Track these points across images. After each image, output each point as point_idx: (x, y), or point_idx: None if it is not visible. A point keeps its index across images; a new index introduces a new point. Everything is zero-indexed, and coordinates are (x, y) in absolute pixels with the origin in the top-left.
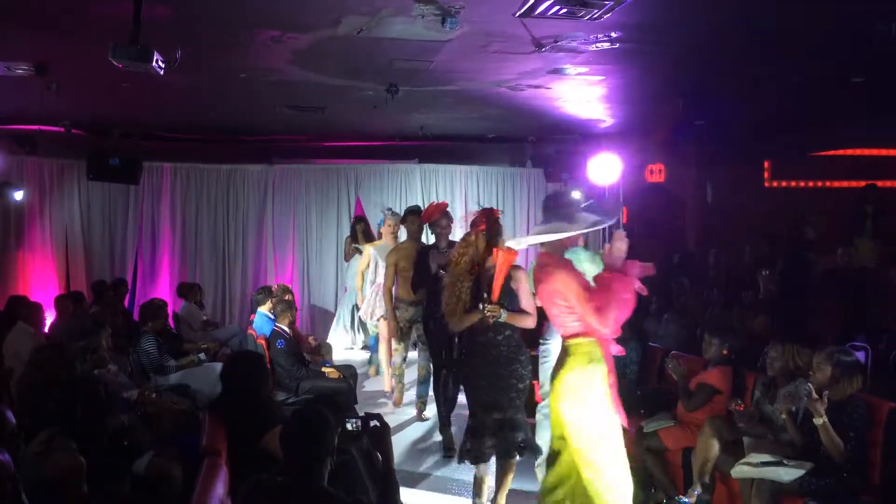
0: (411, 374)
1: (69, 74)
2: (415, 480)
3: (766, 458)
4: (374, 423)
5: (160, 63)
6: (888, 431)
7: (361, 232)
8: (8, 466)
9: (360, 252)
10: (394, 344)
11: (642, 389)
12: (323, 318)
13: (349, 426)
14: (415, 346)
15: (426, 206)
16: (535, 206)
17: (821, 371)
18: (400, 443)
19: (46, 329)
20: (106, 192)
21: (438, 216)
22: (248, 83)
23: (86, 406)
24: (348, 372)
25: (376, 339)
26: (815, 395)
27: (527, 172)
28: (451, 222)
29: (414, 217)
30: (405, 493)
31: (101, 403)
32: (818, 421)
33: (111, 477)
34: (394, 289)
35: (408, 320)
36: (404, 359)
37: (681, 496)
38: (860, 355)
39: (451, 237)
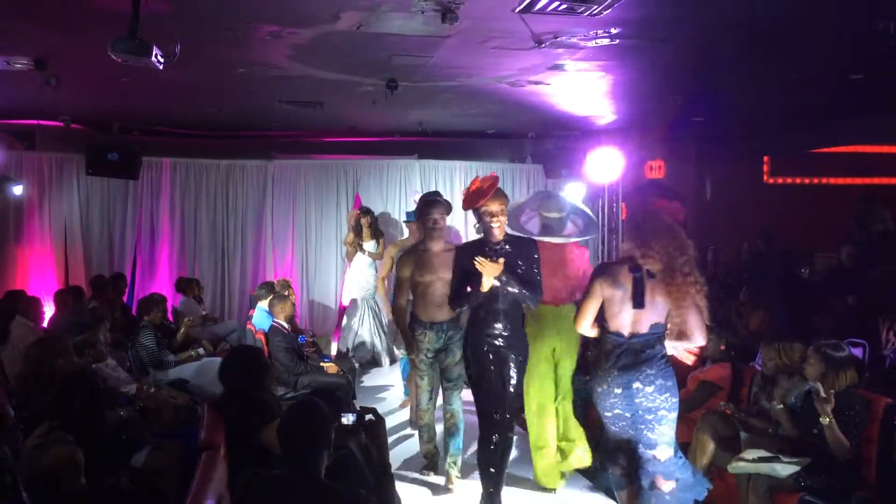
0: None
1: (68, 69)
2: (411, 478)
3: (763, 453)
4: (369, 416)
5: (159, 57)
6: (884, 427)
7: (368, 226)
8: (7, 459)
9: (364, 250)
10: (416, 379)
11: None
12: (323, 314)
13: (345, 420)
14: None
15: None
16: None
17: (811, 366)
18: (398, 440)
19: (45, 323)
20: (105, 187)
21: (487, 199)
22: (247, 78)
23: (84, 400)
24: (347, 367)
25: (408, 362)
26: (822, 395)
27: (526, 168)
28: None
29: (435, 209)
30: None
31: (99, 397)
32: (825, 421)
33: (109, 470)
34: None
35: (430, 349)
36: (431, 397)
37: None
38: (858, 351)
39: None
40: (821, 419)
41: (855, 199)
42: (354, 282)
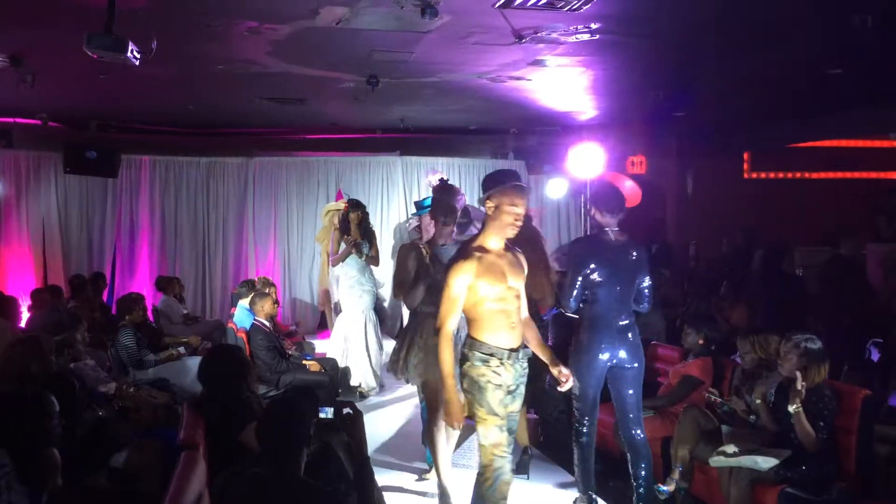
0: None
1: (45, 66)
2: (392, 472)
3: (744, 446)
4: (347, 410)
5: (135, 53)
6: (862, 419)
7: (357, 224)
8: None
9: (361, 252)
10: (488, 437)
11: None
12: (304, 311)
13: (323, 415)
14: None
15: (410, 199)
16: None
17: (788, 360)
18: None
19: (24, 323)
20: (83, 186)
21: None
22: (226, 75)
23: (61, 400)
24: (329, 365)
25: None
26: (798, 386)
27: (509, 164)
28: None
29: (521, 197)
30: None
31: (76, 397)
32: (793, 408)
33: (88, 470)
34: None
35: (509, 388)
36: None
37: (659, 485)
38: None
39: (424, 234)
40: (789, 407)
41: (835, 194)
42: (346, 293)
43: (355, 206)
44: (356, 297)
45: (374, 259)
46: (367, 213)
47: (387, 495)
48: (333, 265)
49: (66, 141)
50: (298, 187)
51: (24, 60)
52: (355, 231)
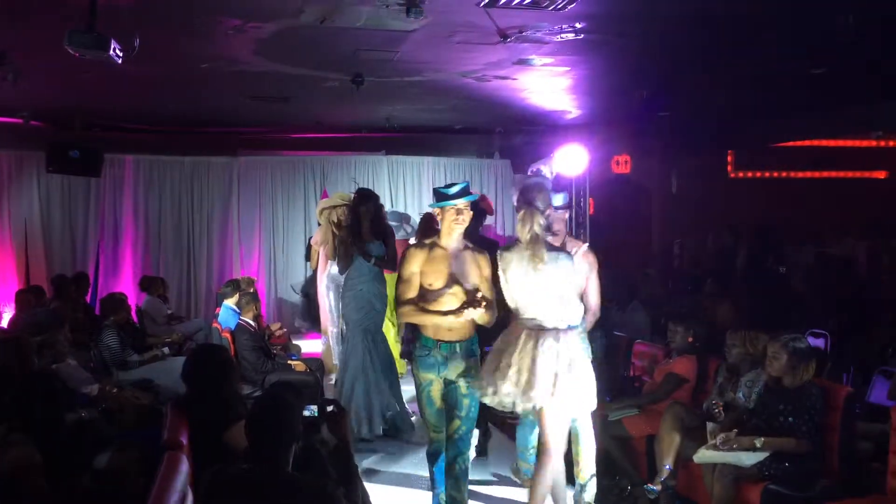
0: None
1: (27, 63)
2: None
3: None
4: (331, 408)
5: (118, 52)
6: (845, 416)
7: (368, 219)
8: None
9: (372, 258)
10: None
11: (606, 378)
12: (289, 312)
13: (306, 412)
14: None
15: (396, 198)
16: (503, 197)
17: (777, 360)
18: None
19: (5, 324)
20: (66, 185)
21: None
22: (210, 73)
23: (43, 401)
24: (315, 365)
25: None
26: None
27: (494, 164)
28: None
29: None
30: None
31: (58, 398)
32: (758, 443)
33: (71, 472)
34: None
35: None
36: None
37: (648, 484)
38: (820, 342)
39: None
40: (755, 442)
41: (818, 193)
42: (349, 308)
43: (366, 197)
44: (362, 314)
45: (388, 263)
46: (382, 206)
47: (379, 495)
48: (341, 272)
49: (49, 140)
50: (283, 186)
51: (5, 58)
52: (366, 228)
